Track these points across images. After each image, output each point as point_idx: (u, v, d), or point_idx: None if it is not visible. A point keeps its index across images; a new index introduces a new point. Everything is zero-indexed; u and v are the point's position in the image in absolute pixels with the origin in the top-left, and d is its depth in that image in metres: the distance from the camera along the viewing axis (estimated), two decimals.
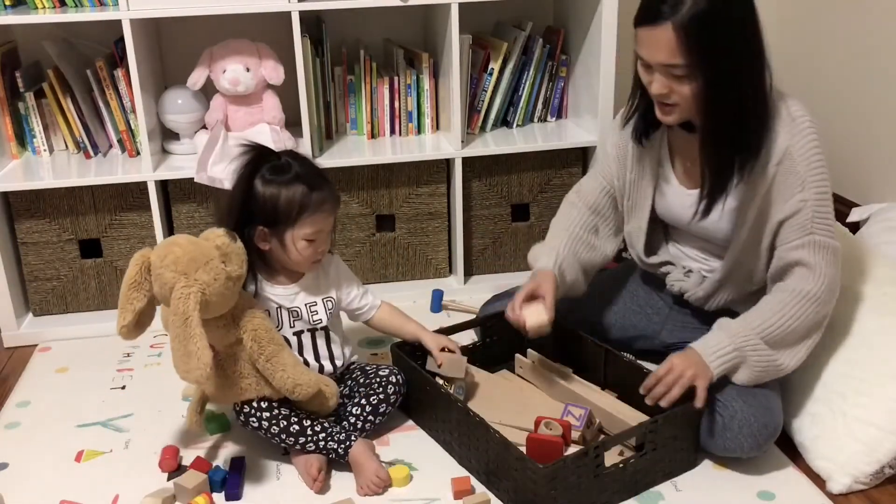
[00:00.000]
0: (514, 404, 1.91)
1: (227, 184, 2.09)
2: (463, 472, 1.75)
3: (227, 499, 1.70)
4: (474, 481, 1.72)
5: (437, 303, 2.45)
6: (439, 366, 1.87)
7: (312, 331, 1.85)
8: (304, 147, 2.33)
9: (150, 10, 2.16)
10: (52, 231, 2.32)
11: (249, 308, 1.72)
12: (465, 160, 2.43)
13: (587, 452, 1.58)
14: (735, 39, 1.58)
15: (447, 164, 2.46)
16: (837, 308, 1.75)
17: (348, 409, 1.84)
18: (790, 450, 1.78)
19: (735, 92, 1.61)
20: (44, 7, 2.22)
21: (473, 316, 2.29)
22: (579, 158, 2.54)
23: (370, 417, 1.82)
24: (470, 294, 2.51)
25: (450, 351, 1.89)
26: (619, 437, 1.66)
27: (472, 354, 2.03)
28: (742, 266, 1.79)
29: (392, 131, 2.56)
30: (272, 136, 2.31)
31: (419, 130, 2.57)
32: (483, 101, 2.55)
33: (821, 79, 2.61)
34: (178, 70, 2.46)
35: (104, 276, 2.39)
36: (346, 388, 1.89)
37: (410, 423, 1.92)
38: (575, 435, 1.72)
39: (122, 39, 2.18)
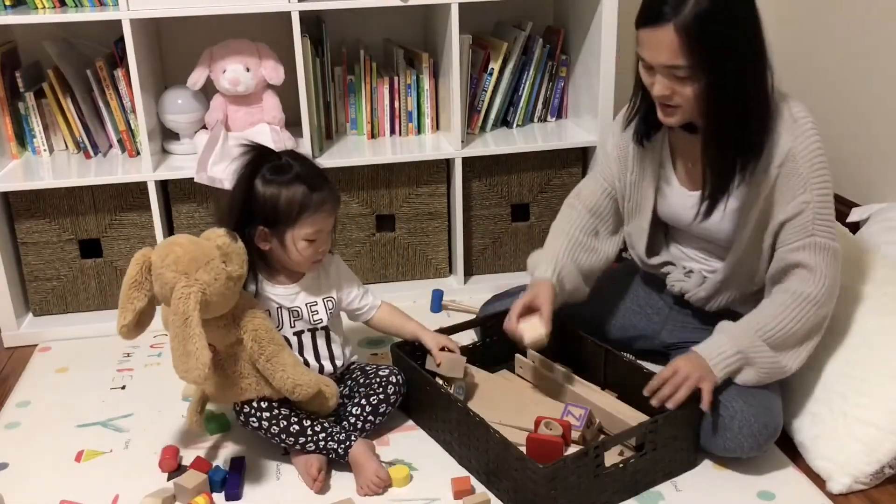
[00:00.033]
0: (514, 404, 1.91)
1: (227, 184, 2.09)
2: (463, 472, 1.75)
3: (227, 499, 1.70)
4: (474, 481, 1.72)
5: (437, 303, 2.45)
6: (438, 365, 1.87)
7: (313, 331, 1.85)
8: (304, 147, 2.33)
9: (150, 10, 2.16)
10: (52, 231, 2.32)
11: (250, 308, 1.72)
12: (465, 160, 2.43)
13: (587, 452, 1.58)
14: (737, 39, 1.58)
15: (447, 164, 2.46)
16: (837, 308, 1.75)
17: (348, 409, 1.84)
18: (790, 450, 1.78)
19: (737, 92, 1.61)
20: (44, 7, 2.22)
21: (473, 316, 2.29)
22: (579, 158, 2.54)
23: (370, 417, 1.82)
24: (470, 294, 2.51)
25: (449, 350, 1.89)
26: (619, 437, 1.66)
27: (472, 354, 2.03)
28: (743, 267, 1.79)
29: (392, 131, 2.56)
30: (272, 136, 2.31)
31: (419, 130, 2.57)
32: (483, 101, 2.55)
33: (820, 79, 2.61)
34: (178, 70, 2.46)
35: (104, 276, 2.39)
36: (346, 389, 1.89)
37: (410, 423, 1.92)
38: (575, 435, 1.72)
39: (122, 39, 2.18)
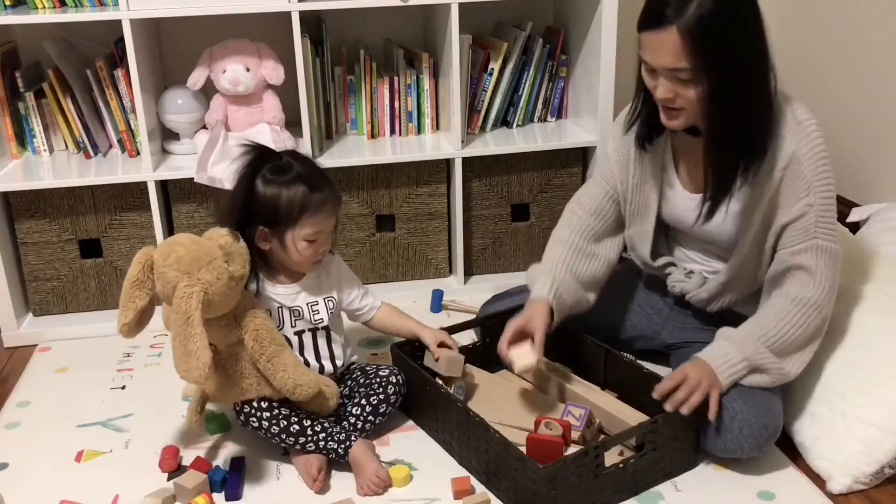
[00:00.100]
0: (514, 404, 1.91)
1: (227, 184, 2.09)
2: (463, 472, 1.75)
3: (227, 499, 1.70)
4: (474, 481, 1.72)
5: (437, 303, 2.45)
6: (436, 360, 1.87)
7: (313, 330, 1.85)
8: (304, 147, 2.33)
9: (150, 10, 2.16)
10: (52, 231, 2.32)
11: (251, 308, 1.72)
12: (465, 160, 2.43)
13: (587, 452, 1.58)
14: (740, 41, 1.57)
15: (447, 164, 2.46)
16: (837, 308, 1.75)
17: (348, 409, 1.83)
18: (790, 450, 1.78)
19: (740, 94, 1.60)
20: (44, 7, 2.22)
21: (473, 316, 2.29)
22: (579, 158, 2.54)
23: (370, 417, 1.82)
24: (470, 294, 2.51)
25: (447, 347, 1.89)
26: (619, 437, 1.66)
27: (472, 354, 2.03)
28: (746, 268, 1.79)
29: (392, 131, 2.56)
30: (272, 136, 2.31)
31: (419, 130, 2.57)
32: (483, 101, 2.55)
33: (821, 79, 2.61)
34: (178, 70, 2.46)
35: (104, 276, 2.39)
36: (347, 389, 1.89)
37: (410, 423, 1.92)
38: (575, 435, 1.72)
39: (122, 39, 2.18)
